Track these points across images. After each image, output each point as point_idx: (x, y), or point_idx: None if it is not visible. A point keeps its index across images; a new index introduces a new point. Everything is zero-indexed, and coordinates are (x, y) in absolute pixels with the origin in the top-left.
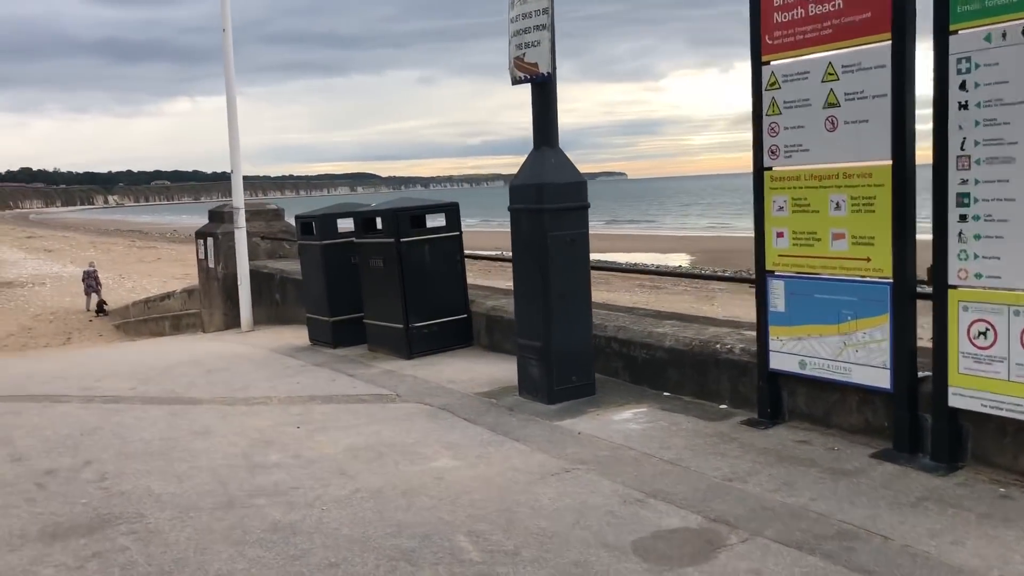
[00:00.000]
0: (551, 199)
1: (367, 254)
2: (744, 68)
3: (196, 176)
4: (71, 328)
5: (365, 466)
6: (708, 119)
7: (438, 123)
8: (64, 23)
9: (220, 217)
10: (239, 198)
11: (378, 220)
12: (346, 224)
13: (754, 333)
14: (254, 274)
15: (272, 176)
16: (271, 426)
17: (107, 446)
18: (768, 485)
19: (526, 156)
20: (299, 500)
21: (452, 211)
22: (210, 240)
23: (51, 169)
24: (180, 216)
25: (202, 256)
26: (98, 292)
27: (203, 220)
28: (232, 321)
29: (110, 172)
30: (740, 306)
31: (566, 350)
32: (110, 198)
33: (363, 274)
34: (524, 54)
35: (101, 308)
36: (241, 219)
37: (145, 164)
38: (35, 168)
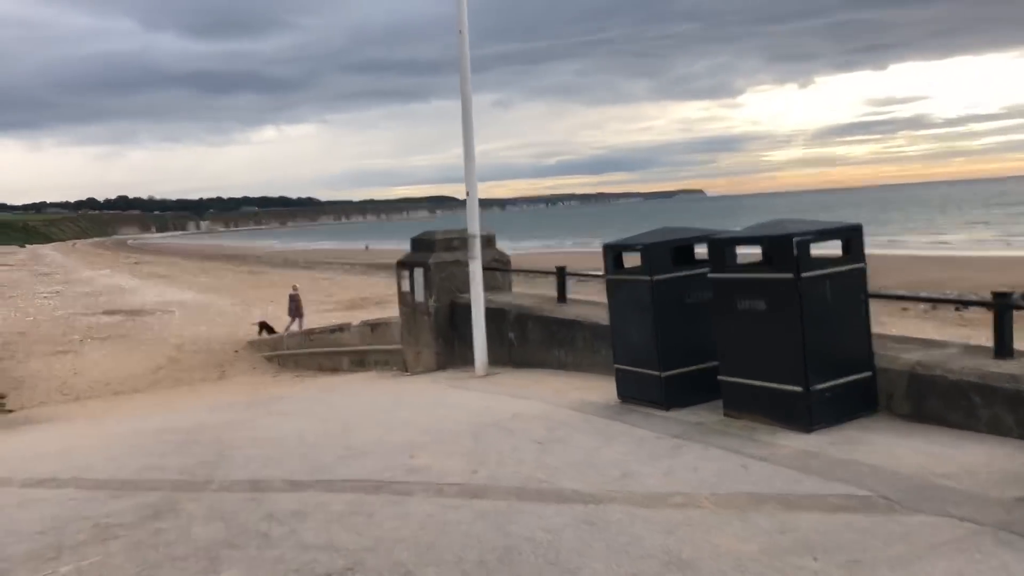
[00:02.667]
0: None
1: (734, 293)
2: (824, 83)
3: (282, 201)
4: (220, 360)
5: None
6: (788, 135)
7: (514, 145)
8: (157, 58)
9: (429, 245)
10: (475, 224)
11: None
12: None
13: None
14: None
15: (354, 200)
16: (761, 553)
17: None
18: None
19: (601, 175)
20: None
21: (855, 235)
22: (418, 271)
23: (146, 197)
24: (270, 240)
25: (406, 289)
26: (301, 316)
27: (290, 244)
28: (447, 362)
29: (201, 199)
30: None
31: None
32: (201, 223)
33: (722, 318)
34: None
35: (267, 328)
36: (477, 248)
37: (234, 191)
38: (131, 196)
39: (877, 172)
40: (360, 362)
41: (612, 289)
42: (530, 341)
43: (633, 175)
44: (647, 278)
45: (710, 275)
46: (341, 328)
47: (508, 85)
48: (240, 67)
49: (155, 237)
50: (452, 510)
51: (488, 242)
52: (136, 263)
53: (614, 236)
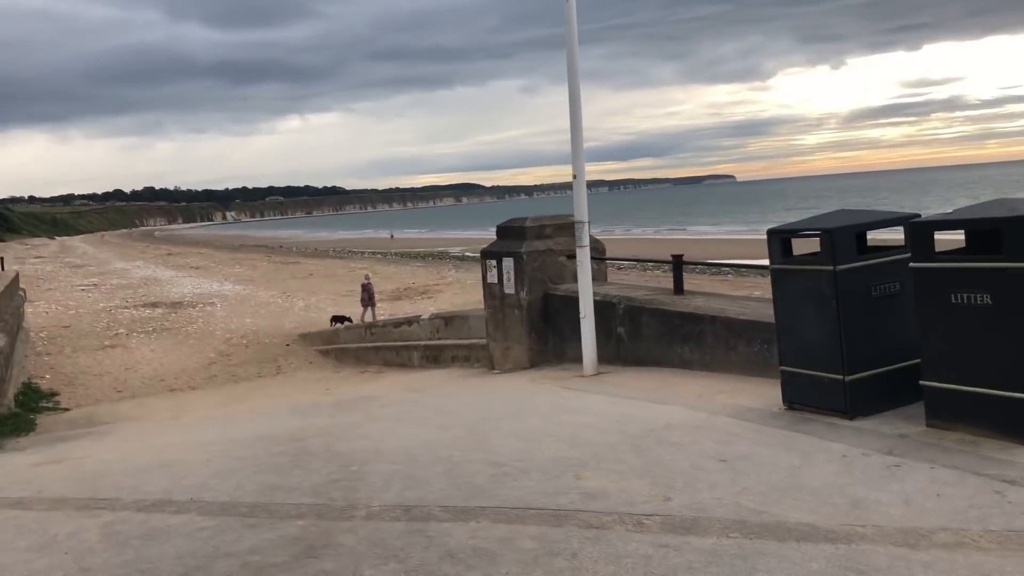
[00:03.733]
0: None
1: (947, 285)
2: (856, 64)
3: (307, 191)
4: (272, 354)
5: None
6: (820, 117)
7: (540, 131)
8: (183, 48)
9: (519, 233)
10: (582, 209)
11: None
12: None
13: None
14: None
15: (379, 189)
16: None
17: None
18: None
19: (628, 161)
20: None
21: None
22: (507, 261)
23: (172, 188)
24: (296, 230)
25: (493, 280)
26: (372, 306)
27: (314, 233)
28: (540, 358)
29: (227, 189)
30: None
31: None
32: (227, 214)
33: (929, 314)
34: None
35: (341, 320)
36: (586, 235)
37: (259, 181)
38: (157, 187)
39: (911, 155)
40: (434, 358)
41: (780, 280)
42: (644, 337)
43: (661, 161)
44: (830, 268)
45: (912, 264)
46: (409, 321)
47: (534, 71)
48: (265, 56)
49: (182, 228)
50: (672, 551)
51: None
52: (168, 254)
53: (641, 223)
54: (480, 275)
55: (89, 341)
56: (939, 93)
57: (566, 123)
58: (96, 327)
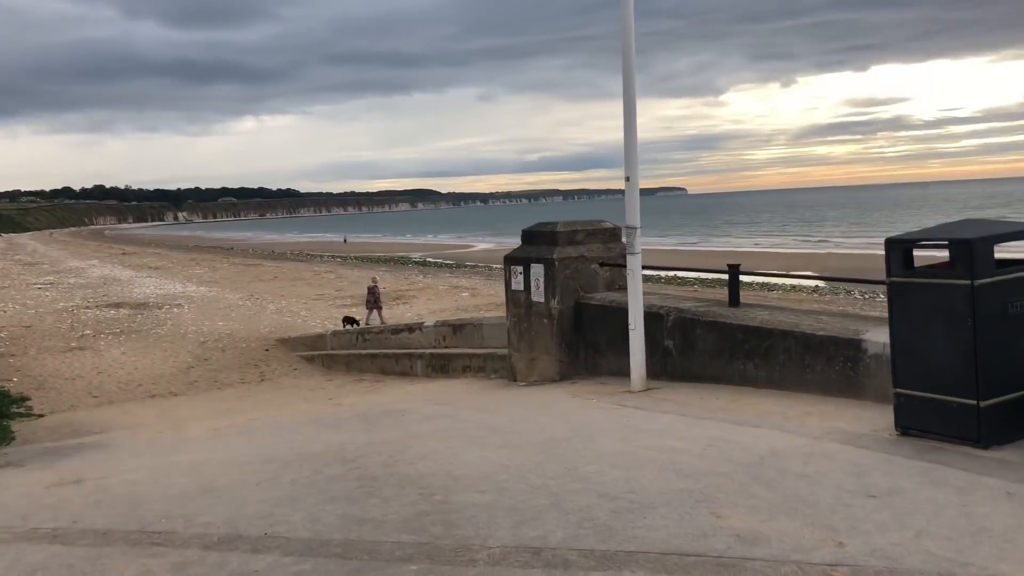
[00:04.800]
0: None
1: None
2: (806, 83)
3: (261, 193)
4: (253, 360)
5: None
6: (770, 133)
7: (496, 140)
8: (137, 46)
9: (550, 238)
10: (634, 214)
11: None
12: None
13: None
14: (618, 311)
15: (335, 193)
16: None
17: None
18: None
19: (583, 172)
20: None
21: None
22: (536, 267)
23: (123, 186)
24: (248, 232)
25: (519, 287)
26: (379, 309)
27: (268, 235)
28: (570, 371)
29: (179, 189)
30: None
31: None
32: (179, 215)
33: None
34: None
35: (352, 321)
36: (637, 242)
37: (212, 182)
38: (108, 186)
39: (857, 172)
40: (442, 367)
41: (900, 294)
42: (698, 351)
43: (615, 172)
44: (966, 282)
45: None
46: (410, 328)
47: (492, 80)
48: (221, 57)
49: (133, 227)
50: None
51: (614, 236)
52: (123, 253)
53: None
54: (455, 282)
55: (55, 342)
56: (884, 113)
57: (522, 132)
58: (60, 327)
